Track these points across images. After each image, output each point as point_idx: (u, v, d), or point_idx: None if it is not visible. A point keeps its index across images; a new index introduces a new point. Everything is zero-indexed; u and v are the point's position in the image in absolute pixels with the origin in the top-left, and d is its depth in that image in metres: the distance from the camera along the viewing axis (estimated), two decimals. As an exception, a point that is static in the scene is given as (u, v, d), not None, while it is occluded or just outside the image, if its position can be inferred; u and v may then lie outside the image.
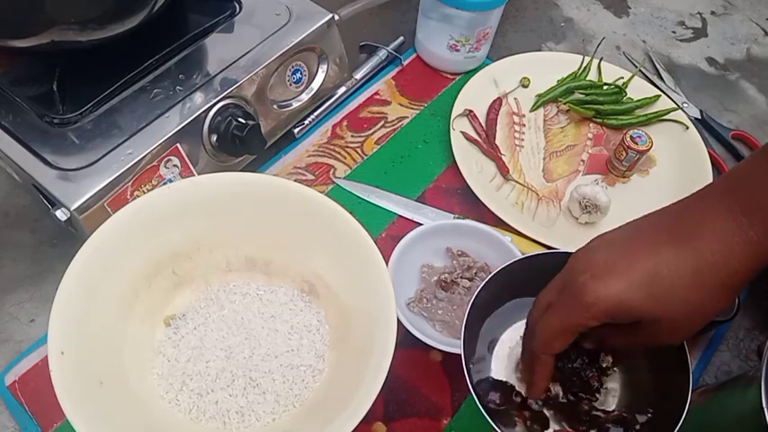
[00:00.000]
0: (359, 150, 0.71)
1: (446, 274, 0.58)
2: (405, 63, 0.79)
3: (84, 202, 0.52)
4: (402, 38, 0.81)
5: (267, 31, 0.64)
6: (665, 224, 0.33)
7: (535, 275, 0.45)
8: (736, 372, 0.60)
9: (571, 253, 0.40)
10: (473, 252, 0.60)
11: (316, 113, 0.72)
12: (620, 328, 0.35)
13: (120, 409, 0.45)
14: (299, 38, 0.64)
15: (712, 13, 0.95)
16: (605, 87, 0.76)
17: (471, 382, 0.44)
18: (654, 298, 0.31)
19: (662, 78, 0.83)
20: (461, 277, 0.58)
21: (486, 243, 0.59)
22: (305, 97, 0.69)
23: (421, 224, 0.62)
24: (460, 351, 0.45)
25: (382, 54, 0.78)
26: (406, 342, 0.52)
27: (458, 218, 0.65)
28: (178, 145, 0.57)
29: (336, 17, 0.67)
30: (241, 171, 0.63)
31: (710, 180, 0.69)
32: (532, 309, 0.41)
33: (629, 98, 0.76)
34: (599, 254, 0.34)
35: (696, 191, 0.35)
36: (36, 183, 0.53)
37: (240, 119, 0.59)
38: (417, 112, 0.75)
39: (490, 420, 0.41)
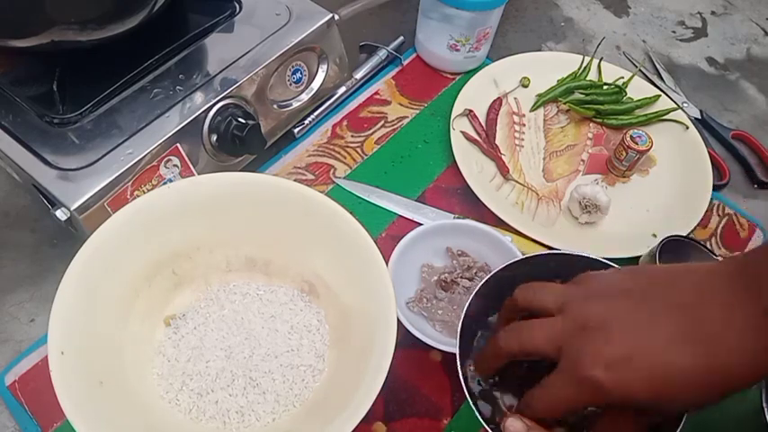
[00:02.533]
0: (359, 150, 0.71)
1: (446, 274, 0.58)
2: (405, 63, 0.79)
3: (84, 202, 0.52)
4: (402, 38, 0.81)
5: (267, 30, 0.64)
6: (684, 317, 0.32)
7: (532, 278, 0.45)
8: (736, 372, 0.60)
9: (564, 254, 0.39)
10: (473, 252, 0.60)
11: (316, 113, 0.72)
12: (610, 412, 0.35)
13: (120, 409, 0.45)
14: (299, 38, 0.64)
15: (712, 12, 0.95)
16: (605, 87, 0.76)
17: (468, 389, 0.43)
18: (661, 398, 0.31)
19: (662, 78, 0.83)
20: (461, 277, 0.58)
21: (486, 243, 0.59)
22: (305, 97, 0.69)
23: (421, 224, 0.62)
24: (456, 355, 0.45)
25: (382, 54, 0.78)
26: (406, 342, 0.52)
27: (458, 218, 0.65)
28: (178, 145, 0.57)
29: (336, 17, 0.67)
30: (241, 171, 0.63)
31: (710, 180, 0.69)
32: (526, 290, 0.40)
33: (629, 98, 0.76)
34: (613, 335, 0.32)
35: (713, 266, 0.33)
36: (36, 183, 0.53)
37: (240, 119, 0.59)
38: (417, 111, 0.75)
39: (487, 427, 0.41)
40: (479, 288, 0.46)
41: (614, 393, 0.32)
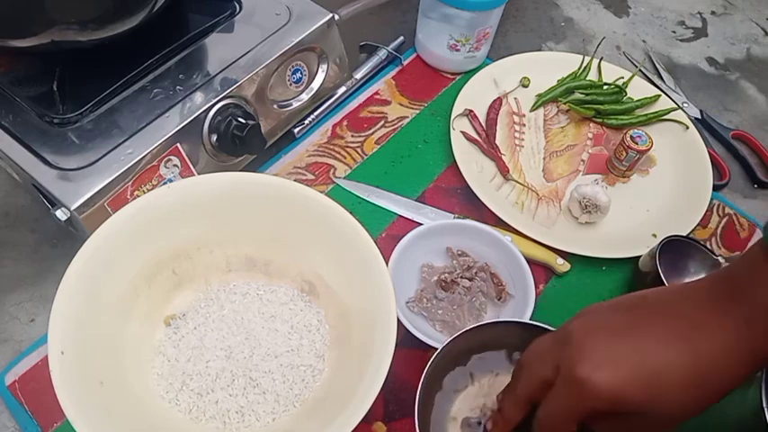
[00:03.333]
0: (359, 150, 0.71)
1: (446, 274, 0.58)
2: (405, 63, 0.79)
3: (84, 202, 0.52)
4: (402, 38, 0.81)
5: (267, 30, 0.64)
6: (669, 321, 0.33)
7: (485, 346, 0.49)
8: (736, 372, 0.60)
9: (522, 323, 0.43)
10: (473, 252, 0.60)
11: (316, 113, 0.72)
12: (612, 416, 0.35)
13: (120, 409, 0.45)
14: (299, 38, 0.64)
15: (712, 12, 0.95)
16: (605, 87, 0.76)
17: None
18: (652, 397, 0.32)
19: (662, 78, 0.83)
20: (461, 277, 0.58)
21: (486, 243, 0.59)
22: (305, 97, 0.69)
23: (421, 224, 0.62)
24: (415, 425, 0.43)
25: (382, 54, 0.78)
26: (406, 342, 0.52)
27: (458, 218, 0.65)
28: (178, 145, 0.57)
29: (336, 17, 0.67)
30: (241, 171, 0.63)
31: (710, 180, 0.69)
32: (519, 370, 0.39)
33: (629, 98, 0.76)
34: (599, 342, 0.33)
35: (698, 281, 0.35)
36: (36, 183, 0.53)
37: (240, 119, 0.59)
38: (417, 111, 0.75)
39: None
40: (434, 358, 0.46)
41: (608, 394, 0.32)
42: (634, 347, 0.32)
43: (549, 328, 0.46)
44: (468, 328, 0.47)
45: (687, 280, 0.60)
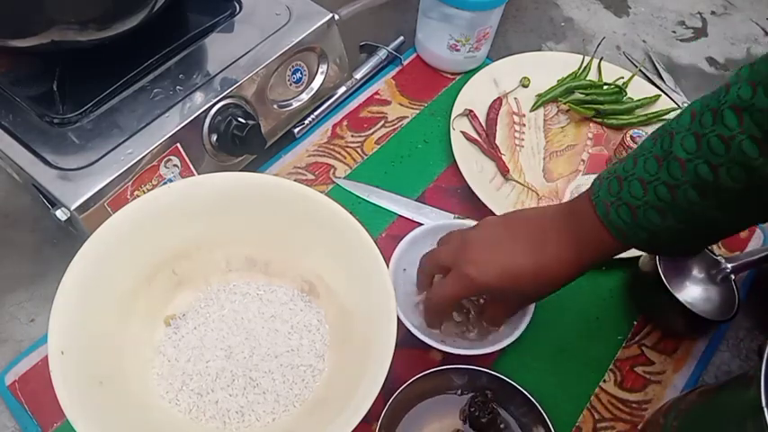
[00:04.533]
0: (359, 150, 0.71)
1: (466, 302, 0.58)
2: (405, 63, 0.79)
3: (84, 202, 0.52)
4: (402, 38, 0.81)
5: (267, 30, 0.64)
6: (527, 234, 0.49)
7: (438, 390, 0.53)
8: (736, 372, 0.60)
9: (468, 368, 0.53)
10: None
11: (316, 113, 0.72)
12: (489, 301, 0.54)
13: (120, 409, 0.45)
14: (299, 38, 0.64)
15: (712, 12, 0.95)
16: (605, 87, 0.76)
17: None
18: (512, 286, 0.48)
19: (662, 78, 0.83)
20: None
21: (486, 243, 0.59)
22: (305, 97, 0.69)
23: (421, 224, 0.62)
24: None
25: (382, 54, 0.78)
26: (406, 342, 0.52)
27: (458, 218, 0.65)
28: (178, 145, 0.57)
29: (336, 17, 0.67)
30: (241, 171, 0.63)
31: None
32: (428, 256, 0.54)
33: (630, 98, 0.76)
34: (483, 250, 0.49)
35: (555, 206, 0.50)
36: (36, 183, 0.53)
37: (240, 119, 0.59)
38: (417, 111, 0.75)
39: None
40: (395, 398, 0.50)
41: (479, 282, 0.48)
42: (503, 256, 0.48)
43: (505, 378, 0.52)
44: (416, 377, 0.51)
45: (687, 281, 0.60)
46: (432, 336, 0.54)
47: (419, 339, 0.53)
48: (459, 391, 0.54)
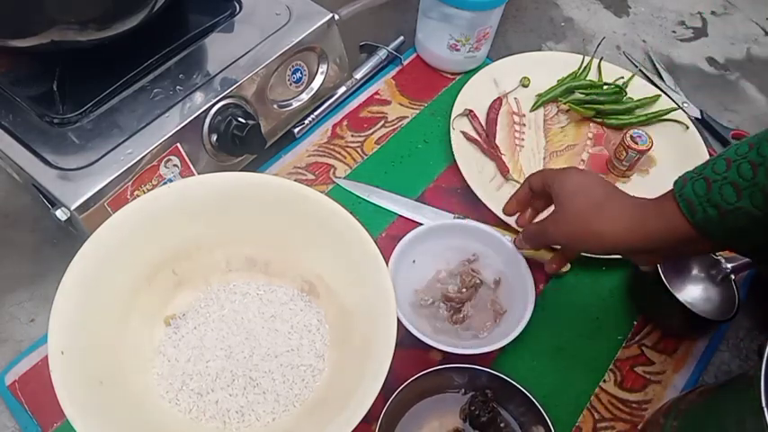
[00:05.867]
0: (359, 150, 0.71)
1: (452, 294, 0.58)
2: (405, 63, 0.79)
3: (84, 202, 0.52)
4: (402, 38, 0.81)
5: (267, 30, 0.64)
6: (632, 203, 0.50)
7: (441, 388, 0.53)
8: (736, 372, 0.60)
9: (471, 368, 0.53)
10: (473, 251, 0.60)
11: (316, 113, 0.72)
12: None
13: (120, 409, 0.45)
14: (299, 37, 0.64)
15: (712, 12, 0.95)
16: (605, 87, 0.76)
17: None
18: (583, 241, 0.51)
19: (662, 78, 0.83)
20: (463, 301, 0.58)
21: (486, 243, 0.59)
22: (305, 97, 0.69)
23: (421, 224, 0.62)
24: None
25: (382, 54, 0.78)
26: (406, 342, 0.52)
27: (458, 218, 0.65)
28: (178, 145, 0.57)
29: (336, 17, 0.67)
30: (241, 171, 0.63)
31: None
32: (528, 185, 0.57)
33: (630, 98, 0.76)
34: (580, 205, 0.51)
35: (654, 198, 0.50)
36: (36, 183, 0.53)
37: (240, 119, 0.59)
38: (417, 111, 0.75)
39: None
40: (395, 397, 0.50)
41: (564, 240, 0.53)
42: (599, 217, 0.50)
43: (509, 380, 0.51)
44: (415, 377, 0.51)
45: (687, 281, 0.60)
46: (432, 336, 0.54)
47: (419, 339, 0.53)
48: (460, 391, 0.54)
